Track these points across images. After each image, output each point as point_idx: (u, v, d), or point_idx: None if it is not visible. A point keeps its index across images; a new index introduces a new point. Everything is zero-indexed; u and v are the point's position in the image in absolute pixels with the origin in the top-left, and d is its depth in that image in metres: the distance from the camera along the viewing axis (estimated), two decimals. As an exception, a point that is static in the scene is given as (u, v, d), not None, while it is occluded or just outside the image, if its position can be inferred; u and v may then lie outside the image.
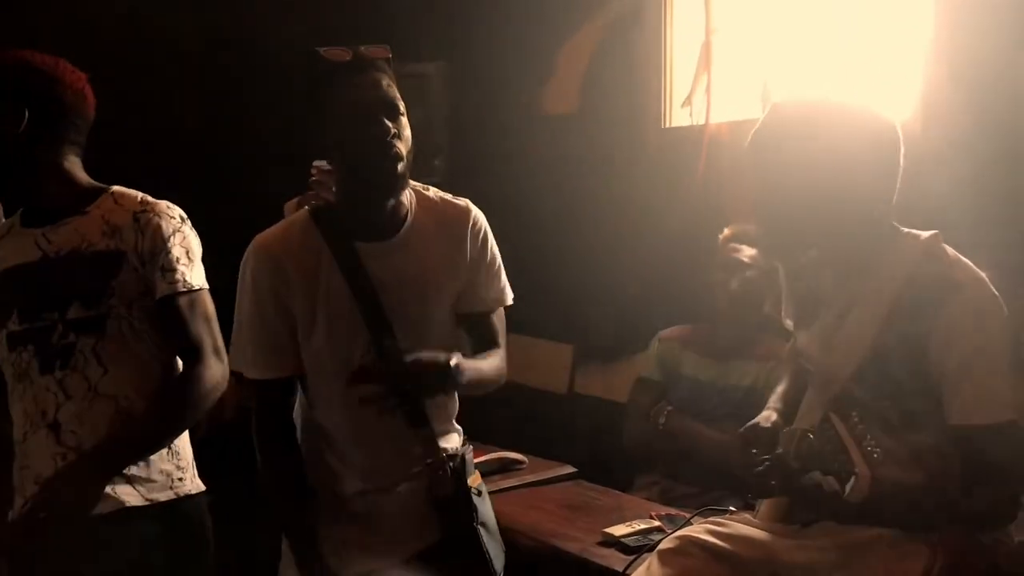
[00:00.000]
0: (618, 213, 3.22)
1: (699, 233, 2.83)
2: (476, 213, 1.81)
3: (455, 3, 3.68)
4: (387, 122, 1.64)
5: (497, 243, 1.87)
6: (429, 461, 1.77)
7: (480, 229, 1.81)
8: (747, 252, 2.60)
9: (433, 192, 1.82)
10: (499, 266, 1.85)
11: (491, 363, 1.81)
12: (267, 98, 2.78)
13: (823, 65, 2.72)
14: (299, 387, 1.83)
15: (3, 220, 2.41)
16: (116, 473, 1.73)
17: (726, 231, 2.66)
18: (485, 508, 1.86)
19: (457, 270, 1.78)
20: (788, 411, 1.85)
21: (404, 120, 1.68)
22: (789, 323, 1.95)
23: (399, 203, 1.73)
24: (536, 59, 3.53)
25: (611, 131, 3.28)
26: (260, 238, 1.74)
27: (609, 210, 3.25)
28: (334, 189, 1.96)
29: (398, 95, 1.67)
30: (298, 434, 1.83)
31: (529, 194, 3.50)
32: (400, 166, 1.65)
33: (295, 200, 2.53)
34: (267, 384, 1.76)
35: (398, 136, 1.65)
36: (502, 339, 1.87)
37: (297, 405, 1.84)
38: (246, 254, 1.73)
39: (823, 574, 1.63)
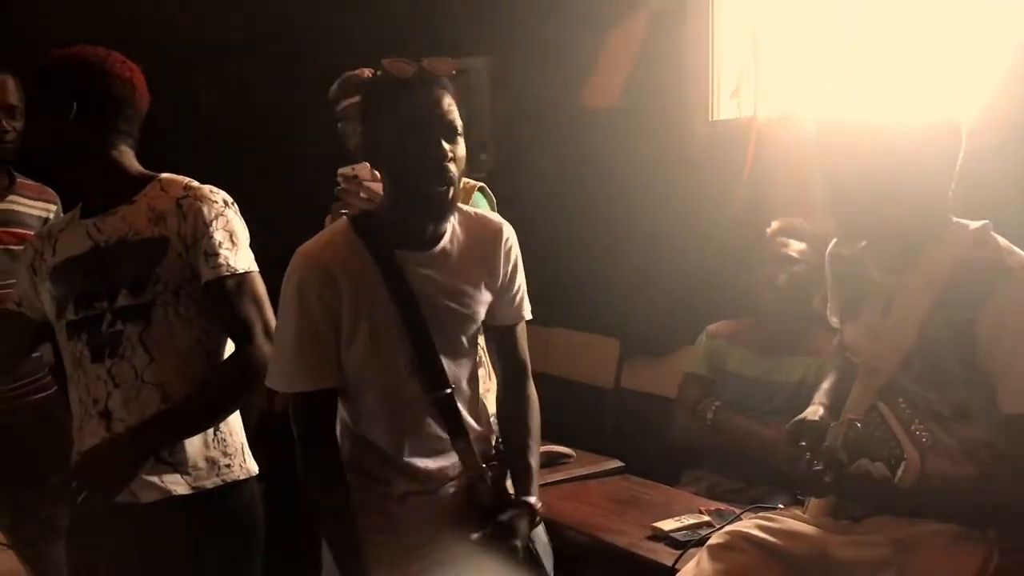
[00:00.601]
0: (665, 206, 3.20)
1: (747, 226, 2.80)
2: (509, 231, 1.82)
3: (497, -4, 3.68)
4: (445, 144, 1.62)
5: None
6: (469, 474, 1.76)
7: (511, 247, 1.81)
8: (795, 247, 2.57)
9: (467, 207, 1.82)
10: (523, 282, 1.86)
11: (536, 453, 1.84)
12: (314, 93, 2.77)
13: (884, 58, 2.67)
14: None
15: (60, 214, 2.48)
16: (155, 452, 1.73)
17: (774, 225, 2.63)
18: (540, 532, 1.84)
19: (489, 286, 1.78)
20: (835, 406, 1.84)
21: (461, 140, 1.66)
22: (835, 320, 1.93)
23: None
24: (580, 53, 3.51)
25: (657, 124, 3.26)
26: (306, 249, 1.70)
27: (656, 204, 3.23)
28: (378, 197, 1.95)
29: (458, 115, 1.65)
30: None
31: (574, 188, 3.50)
32: (452, 191, 1.64)
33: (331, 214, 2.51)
34: (314, 398, 1.70)
35: (453, 159, 1.63)
36: (526, 355, 1.88)
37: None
38: (292, 266, 1.68)
39: (875, 570, 1.61)
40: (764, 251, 2.62)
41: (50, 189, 2.51)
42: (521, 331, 1.88)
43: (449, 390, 1.72)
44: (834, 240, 1.89)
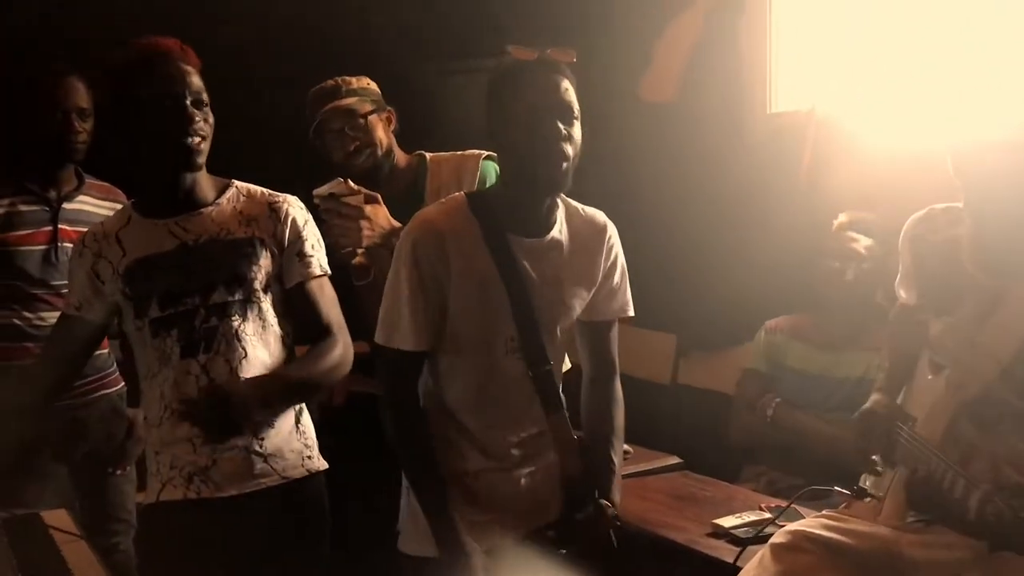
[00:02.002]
0: (722, 200, 3.16)
1: (807, 220, 2.76)
2: (612, 229, 1.89)
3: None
4: (559, 124, 1.68)
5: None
6: (562, 447, 1.82)
7: (613, 244, 1.88)
8: (863, 243, 2.53)
9: (575, 203, 1.87)
10: (626, 279, 1.92)
11: (620, 452, 1.91)
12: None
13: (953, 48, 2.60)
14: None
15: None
16: (273, 407, 1.80)
17: (841, 218, 2.59)
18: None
19: (591, 281, 1.85)
20: (895, 389, 1.80)
21: (577, 125, 1.73)
22: (903, 293, 1.87)
23: (554, 203, 1.80)
24: (637, 47, 3.49)
25: (714, 117, 3.23)
26: (423, 215, 1.79)
27: (713, 197, 3.20)
28: (358, 212, 2.05)
29: (575, 100, 1.73)
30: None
31: (630, 182, 3.47)
32: (564, 167, 1.70)
33: None
34: (411, 357, 1.77)
35: (568, 140, 1.70)
36: (616, 354, 1.94)
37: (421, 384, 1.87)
38: (409, 229, 1.77)
39: (950, 573, 1.57)
40: (829, 245, 2.58)
41: (117, 189, 2.57)
42: (614, 330, 1.94)
43: (550, 366, 1.79)
44: (912, 218, 1.84)
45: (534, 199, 1.77)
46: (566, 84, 1.72)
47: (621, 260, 1.90)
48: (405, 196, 2.24)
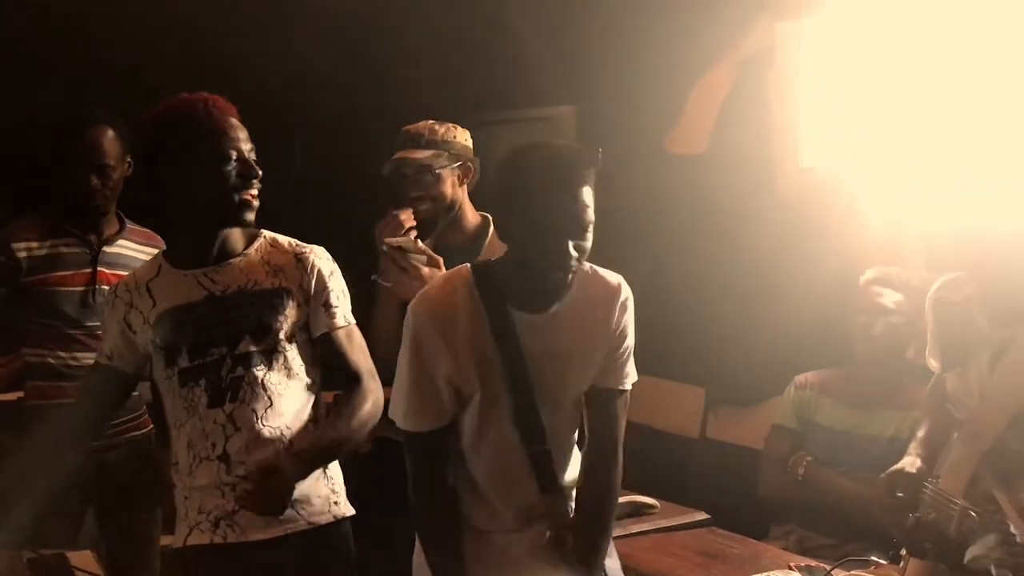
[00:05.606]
0: (752, 254, 3.16)
1: (838, 274, 2.75)
2: (625, 290, 1.80)
3: (583, 45, 3.72)
4: (570, 244, 1.63)
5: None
6: (558, 526, 1.79)
7: (627, 308, 1.80)
8: (892, 297, 2.51)
9: (588, 265, 1.78)
10: (631, 347, 1.83)
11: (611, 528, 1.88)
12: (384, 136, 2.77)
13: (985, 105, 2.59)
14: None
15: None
16: (307, 475, 1.81)
17: (869, 274, 2.57)
18: (613, 563, 1.89)
19: (600, 349, 1.79)
20: (930, 456, 1.78)
21: (590, 234, 1.66)
22: (933, 363, 1.87)
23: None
24: (667, 100, 3.53)
25: (745, 170, 3.25)
26: (426, 294, 1.76)
27: (743, 251, 3.20)
28: (418, 273, 2.11)
29: (592, 207, 1.65)
30: None
31: (661, 235, 3.49)
32: (570, 277, 1.67)
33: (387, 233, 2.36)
34: (427, 437, 1.75)
35: (579, 251, 1.65)
36: (618, 430, 1.84)
37: None
38: (415, 310, 1.74)
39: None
40: (858, 300, 2.57)
41: (158, 236, 2.62)
42: (620, 402, 1.83)
43: (546, 447, 1.76)
44: (937, 283, 1.84)
45: (542, 273, 1.69)
46: (586, 192, 1.64)
47: (631, 327, 1.81)
48: (465, 251, 2.29)
